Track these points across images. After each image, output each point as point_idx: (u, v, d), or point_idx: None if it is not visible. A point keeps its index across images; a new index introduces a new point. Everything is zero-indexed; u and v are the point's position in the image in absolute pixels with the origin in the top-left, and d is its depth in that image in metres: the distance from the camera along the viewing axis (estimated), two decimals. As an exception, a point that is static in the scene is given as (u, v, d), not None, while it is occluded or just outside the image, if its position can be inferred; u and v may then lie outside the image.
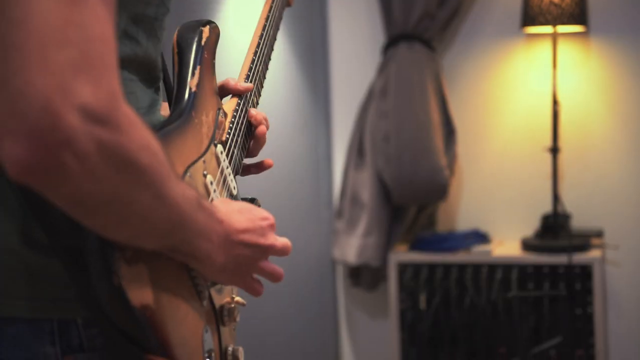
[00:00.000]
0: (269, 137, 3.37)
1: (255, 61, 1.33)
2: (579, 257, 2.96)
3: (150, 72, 1.09)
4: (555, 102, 3.05)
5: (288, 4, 1.54)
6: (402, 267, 3.14)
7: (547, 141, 3.12)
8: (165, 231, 0.89)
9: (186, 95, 1.08)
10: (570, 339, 2.96)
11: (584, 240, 3.04)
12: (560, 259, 2.96)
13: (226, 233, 1.00)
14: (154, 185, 0.84)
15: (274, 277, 1.12)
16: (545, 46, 3.15)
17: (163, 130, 0.99)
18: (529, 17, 3.00)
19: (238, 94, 1.27)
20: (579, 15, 2.98)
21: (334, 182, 3.44)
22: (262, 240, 1.06)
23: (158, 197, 0.85)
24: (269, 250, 1.08)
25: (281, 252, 1.11)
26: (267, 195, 3.14)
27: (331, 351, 3.46)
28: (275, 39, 1.43)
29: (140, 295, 0.89)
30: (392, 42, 3.18)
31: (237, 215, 1.03)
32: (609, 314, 3.15)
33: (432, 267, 3.10)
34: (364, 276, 3.32)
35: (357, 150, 3.26)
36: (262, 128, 1.29)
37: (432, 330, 3.10)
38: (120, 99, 0.80)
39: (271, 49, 1.40)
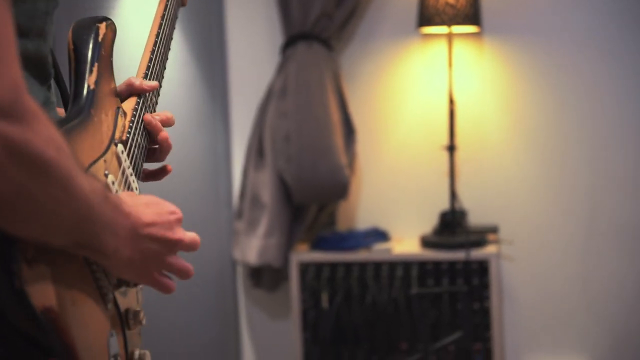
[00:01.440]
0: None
1: (153, 60, 1.31)
2: (476, 253, 3.03)
3: (42, 68, 1.06)
4: (451, 101, 3.10)
5: (182, 4, 1.52)
6: (304, 267, 3.14)
7: (444, 139, 3.17)
8: (73, 225, 0.87)
9: (84, 93, 1.06)
10: (469, 333, 3.02)
11: (480, 237, 3.11)
12: (458, 255, 3.02)
13: (133, 226, 0.98)
14: (61, 179, 0.83)
15: (183, 274, 1.11)
16: (441, 46, 3.21)
17: (63, 128, 0.97)
18: (425, 18, 3.05)
19: (143, 93, 1.25)
20: (473, 16, 3.04)
21: (233, 182, 3.41)
22: (170, 234, 1.05)
23: (65, 190, 0.84)
24: (177, 245, 1.07)
25: (189, 246, 1.10)
26: (165, 195, 3.08)
27: (232, 352, 3.43)
28: (171, 38, 1.42)
29: (43, 298, 0.87)
30: (291, 41, 3.18)
31: (144, 208, 1.02)
32: (504, 308, 3.23)
33: (333, 266, 3.11)
34: (265, 277, 3.31)
35: (256, 150, 3.24)
36: (162, 134, 1.26)
37: (335, 329, 3.11)
38: (23, 92, 0.78)
39: (168, 48, 1.39)
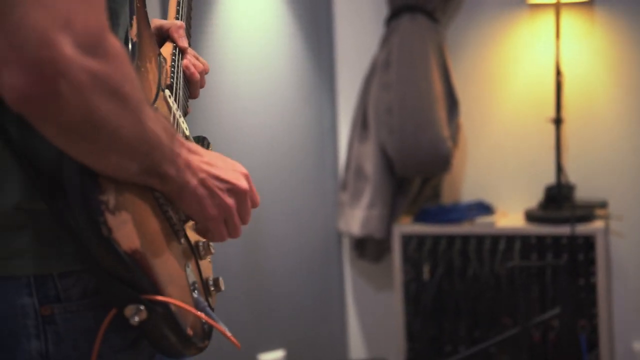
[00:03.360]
0: (274, 110, 3.36)
1: (181, 2, 1.37)
2: (582, 228, 2.96)
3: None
4: (558, 73, 3.04)
5: None
6: (406, 239, 3.15)
7: (551, 112, 3.11)
8: (145, 151, 0.95)
9: (129, 46, 1.11)
10: (574, 309, 2.96)
11: (587, 211, 3.04)
12: (564, 229, 2.97)
13: (192, 161, 1.04)
14: (136, 111, 0.92)
15: (237, 231, 1.13)
16: (549, 17, 3.14)
17: None
18: (532, -12, 2.99)
19: (177, 45, 1.32)
20: (582, -15, 2.96)
21: (339, 154, 3.45)
22: (230, 176, 1.09)
23: (139, 121, 0.93)
24: (237, 188, 1.09)
25: (254, 200, 1.13)
26: (272, 168, 3.17)
27: (337, 322, 3.49)
28: None
29: (129, 241, 0.94)
30: (395, 13, 3.17)
31: (208, 155, 1.09)
32: (612, 284, 3.15)
33: (435, 238, 3.11)
34: (369, 248, 3.34)
35: (361, 122, 3.27)
36: (193, 75, 1.33)
37: (436, 301, 3.11)
38: (108, 31, 0.87)
39: None
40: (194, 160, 1.05)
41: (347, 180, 3.32)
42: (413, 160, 3.09)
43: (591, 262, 2.97)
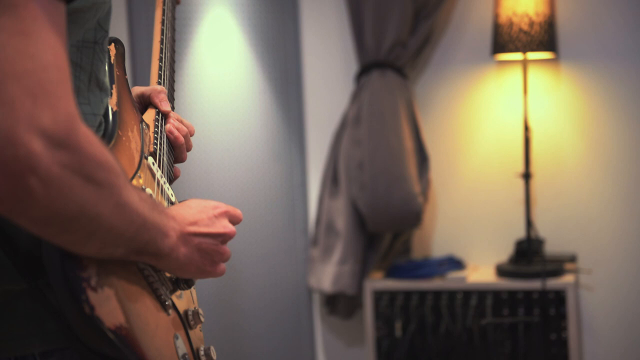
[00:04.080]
0: (244, 165, 3.35)
1: (162, 67, 1.37)
2: (553, 282, 2.97)
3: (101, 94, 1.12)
4: (526, 128, 3.07)
5: (177, 2, 1.56)
6: (378, 295, 3.13)
7: (520, 167, 3.14)
8: (131, 235, 0.95)
9: (110, 116, 1.11)
10: (546, 364, 2.96)
11: (557, 266, 3.05)
12: (535, 284, 2.97)
13: (180, 226, 1.05)
14: (114, 195, 0.90)
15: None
16: (516, 73, 3.18)
17: None
18: (499, 45, 3.03)
19: (160, 111, 1.31)
20: (548, 42, 3.01)
21: (309, 210, 3.44)
22: (215, 229, 1.12)
23: (119, 205, 0.91)
24: (225, 236, 1.13)
25: (230, 236, 1.15)
26: (242, 224, 3.14)
27: (308, 380, 3.45)
28: (174, 40, 1.47)
29: (113, 318, 0.93)
30: (365, 70, 3.20)
31: (186, 209, 1.10)
32: (583, 339, 3.15)
33: (407, 294, 3.10)
34: (340, 304, 3.31)
35: (331, 178, 3.27)
36: (177, 139, 1.32)
37: (408, 357, 3.09)
38: (77, 120, 0.86)
39: (173, 51, 1.44)
40: (184, 227, 1.06)
41: (318, 236, 3.30)
42: (385, 216, 3.09)
43: (562, 316, 2.97)
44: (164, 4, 1.44)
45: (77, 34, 1.05)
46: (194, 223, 1.09)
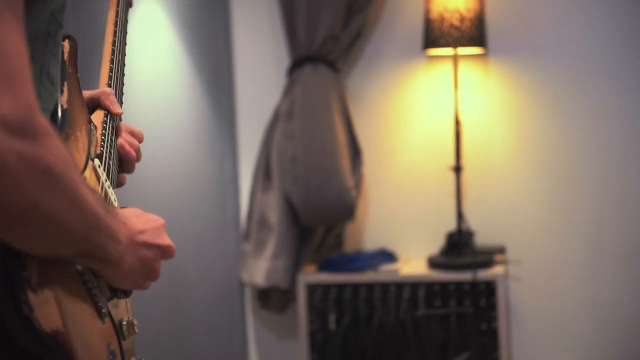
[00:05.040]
0: (174, 159, 3.31)
1: (113, 68, 1.34)
2: (484, 274, 3.03)
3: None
4: (457, 122, 3.11)
5: (130, 5, 1.53)
6: (311, 288, 3.14)
7: (450, 160, 3.18)
8: (82, 235, 0.92)
9: (59, 113, 1.08)
10: (477, 354, 3.01)
11: (487, 257, 3.11)
12: (466, 275, 3.02)
13: (130, 234, 1.04)
14: (71, 191, 0.88)
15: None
16: (447, 67, 3.22)
17: None
18: (431, 40, 3.07)
19: (111, 113, 1.28)
20: (478, 38, 3.06)
21: (241, 204, 3.42)
22: (161, 241, 1.11)
23: (75, 202, 0.88)
24: (168, 250, 1.12)
25: (173, 253, 1.15)
26: (172, 217, 3.10)
27: (241, 375, 3.43)
28: (126, 44, 1.44)
29: (50, 321, 0.91)
30: (297, 64, 3.20)
31: (134, 218, 1.08)
32: (512, 329, 3.22)
33: (340, 287, 3.11)
34: (273, 298, 3.31)
35: (263, 172, 3.25)
36: (129, 154, 1.29)
37: (342, 350, 3.10)
38: (36, 110, 0.83)
39: (124, 54, 1.42)
40: (133, 235, 1.05)
41: (250, 231, 3.29)
42: (318, 210, 3.09)
43: (492, 307, 3.03)
44: (117, 5, 1.41)
45: (29, 25, 1.00)
46: (142, 232, 1.07)
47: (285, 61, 3.29)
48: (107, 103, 1.27)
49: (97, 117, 1.25)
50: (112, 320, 1.09)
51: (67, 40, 1.17)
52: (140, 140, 1.34)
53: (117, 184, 1.29)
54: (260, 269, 3.20)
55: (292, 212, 3.16)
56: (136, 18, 2.96)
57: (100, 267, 1.00)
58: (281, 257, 3.15)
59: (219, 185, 3.33)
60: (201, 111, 3.23)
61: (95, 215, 0.93)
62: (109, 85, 1.31)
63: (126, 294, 1.12)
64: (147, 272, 1.09)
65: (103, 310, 1.04)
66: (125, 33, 1.43)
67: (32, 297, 0.89)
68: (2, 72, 0.80)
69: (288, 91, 3.20)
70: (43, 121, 0.84)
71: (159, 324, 3.01)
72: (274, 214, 3.18)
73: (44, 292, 0.91)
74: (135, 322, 1.16)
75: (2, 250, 0.88)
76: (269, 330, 3.47)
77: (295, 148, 3.12)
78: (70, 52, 1.17)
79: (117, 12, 1.41)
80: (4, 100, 0.79)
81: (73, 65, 1.17)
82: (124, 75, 1.39)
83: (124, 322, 1.13)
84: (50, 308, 0.91)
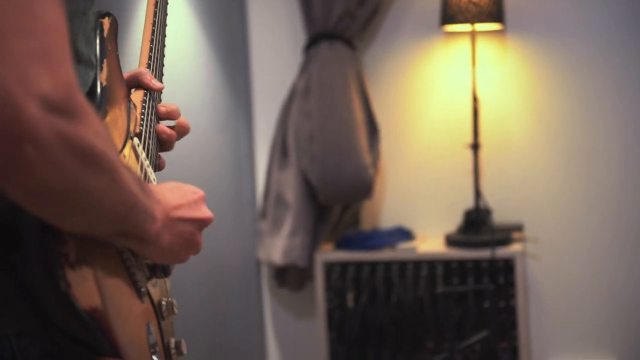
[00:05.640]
0: (189, 137, 3.30)
1: (153, 49, 1.33)
2: (502, 252, 3.02)
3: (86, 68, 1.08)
4: (475, 99, 3.09)
5: None
6: (329, 267, 3.14)
7: (468, 138, 3.16)
8: (121, 215, 0.91)
9: (98, 90, 1.07)
10: (495, 332, 3.01)
11: (505, 235, 3.10)
12: (484, 253, 3.01)
13: (165, 211, 1.02)
14: (110, 170, 0.87)
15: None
16: (464, 44, 3.20)
17: None
18: (448, 16, 3.04)
19: (150, 90, 1.27)
20: (496, 14, 3.03)
21: (257, 182, 3.41)
22: (199, 213, 1.09)
23: (114, 182, 0.88)
24: (206, 221, 1.11)
25: (210, 222, 1.14)
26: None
27: (257, 352, 3.44)
28: (166, 25, 1.43)
29: (88, 299, 0.90)
30: (313, 41, 3.17)
31: (169, 193, 1.06)
32: (530, 307, 3.22)
33: (358, 265, 3.11)
34: (290, 276, 3.31)
35: (280, 150, 3.24)
36: (170, 138, 1.29)
37: (360, 328, 3.11)
38: (76, 88, 0.82)
39: (164, 34, 1.40)
40: (169, 212, 1.03)
41: (267, 209, 3.28)
42: (335, 188, 3.08)
43: (510, 285, 3.02)
44: None
45: (69, 4, 1.00)
46: (178, 207, 1.06)
47: (301, 38, 3.27)
48: (147, 80, 1.26)
49: (137, 96, 1.23)
50: (152, 300, 1.08)
51: (107, 18, 1.16)
52: (177, 117, 1.32)
53: (158, 167, 1.28)
54: (277, 247, 3.20)
55: (309, 190, 3.15)
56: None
57: (139, 246, 1.00)
58: (298, 235, 3.14)
59: (235, 163, 3.33)
60: (217, 88, 3.21)
61: (133, 195, 0.92)
62: (149, 66, 1.30)
63: (165, 273, 1.11)
64: (187, 246, 1.08)
65: (142, 290, 1.04)
66: (166, 14, 1.41)
67: (70, 273, 0.88)
68: (43, 48, 0.78)
69: (304, 69, 3.19)
70: (82, 99, 0.83)
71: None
72: (291, 192, 3.17)
73: (82, 269, 0.90)
74: (174, 302, 1.15)
75: (40, 226, 0.87)
76: (286, 308, 3.47)
77: (312, 126, 3.10)
78: (110, 30, 1.15)
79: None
80: (44, 78, 0.78)
81: (113, 42, 1.16)
82: (164, 56, 1.37)
83: (164, 302, 1.12)
84: (88, 285, 0.90)
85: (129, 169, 0.94)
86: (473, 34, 3.09)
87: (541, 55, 3.18)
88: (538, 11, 3.16)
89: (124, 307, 0.98)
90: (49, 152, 0.79)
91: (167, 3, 1.43)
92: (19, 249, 0.88)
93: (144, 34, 1.34)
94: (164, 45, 1.39)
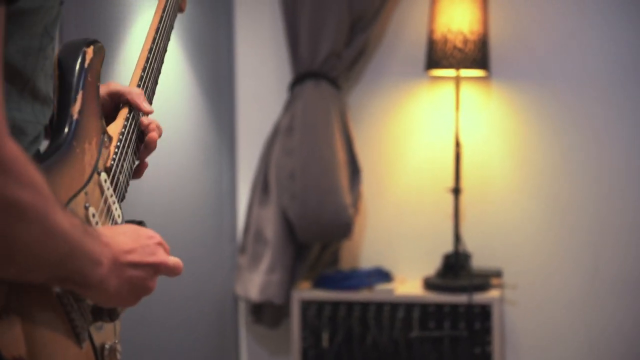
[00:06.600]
0: (172, 170, 3.30)
1: (144, 77, 1.30)
2: (479, 297, 3.01)
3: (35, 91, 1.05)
4: (457, 144, 3.11)
5: (180, 10, 1.49)
6: (305, 305, 3.12)
7: (450, 182, 3.17)
8: (55, 262, 0.89)
9: (67, 124, 1.05)
10: (470, 377, 2.99)
11: (483, 280, 3.10)
12: (461, 298, 3.01)
13: (114, 255, 0.99)
14: (39, 220, 0.84)
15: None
16: (449, 89, 3.22)
17: (42, 164, 0.97)
18: (434, 60, 3.07)
19: (140, 112, 1.25)
20: (481, 60, 3.06)
21: (238, 217, 3.41)
22: (152, 259, 1.05)
23: (43, 231, 0.85)
24: (159, 268, 1.07)
25: (172, 269, 1.09)
26: (169, 228, 3.08)
27: (231, 389, 3.41)
28: (165, 51, 1.39)
29: (13, 348, 0.87)
30: (299, 79, 3.19)
31: (122, 237, 1.03)
32: (506, 353, 3.21)
33: (335, 304, 3.10)
34: (267, 313, 3.30)
35: (262, 186, 3.25)
36: (153, 135, 1.28)
37: (334, 368, 3.09)
38: (4, 136, 0.80)
39: (161, 62, 1.37)
40: (118, 256, 1.00)
41: (246, 244, 3.28)
42: (315, 226, 3.08)
43: (487, 331, 3.01)
44: (163, 11, 1.36)
45: (23, 40, 0.98)
46: (129, 251, 1.02)
47: (287, 76, 3.28)
48: (138, 102, 1.24)
49: (115, 127, 1.20)
50: (93, 345, 1.05)
51: (91, 47, 1.13)
52: (159, 135, 1.31)
53: (137, 171, 1.26)
54: (254, 283, 3.19)
55: (289, 228, 3.15)
56: (138, 25, 2.96)
57: (82, 290, 0.97)
58: (276, 272, 3.14)
59: (216, 197, 3.32)
60: (201, 122, 3.22)
61: (68, 242, 0.89)
62: (138, 85, 1.28)
63: (111, 318, 1.07)
64: (137, 292, 1.04)
65: (80, 336, 1.00)
66: (168, 40, 1.38)
67: None
68: None
69: (289, 106, 3.20)
70: (12, 147, 0.81)
71: (149, 333, 2.99)
72: (271, 228, 3.17)
73: (10, 316, 0.87)
74: (118, 347, 1.11)
75: None
76: (262, 345, 3.45)
77: (294, 164, 3.11)
78: (93, 60, 1.12)
79: (161, 17, 1.36)
80: None
81: (94, 74, 1.13)
82: (156, 84, 1.35)
83: (107, 347, 1.08)
84: (14, 334, 0.87)
85: (69, 213, 0.91)
86: (458, 79, 3.11)
87: (525, 103, 3.21)
88: (522, 59, 3.19)
89: (57, 354, 0.94)
90: None
91: (171, 28, 1.40)
92: None
93: (138, 61, 1.32)
94: (159, 73, 1.35)
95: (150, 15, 1.41)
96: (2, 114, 0.80)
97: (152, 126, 1.28)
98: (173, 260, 1.10)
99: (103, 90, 1.28)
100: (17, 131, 0.99)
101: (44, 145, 1.08)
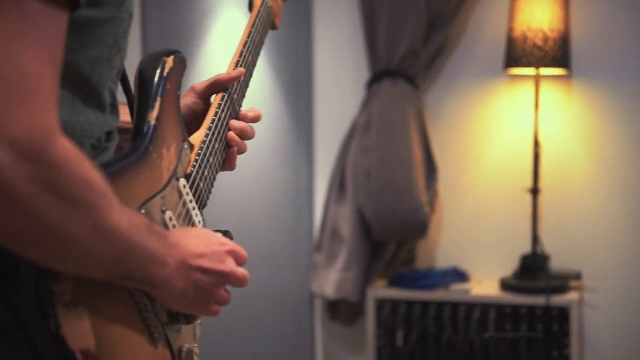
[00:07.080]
0: (250, 168, 3.35)
1: (231, 93, 1.31)
2: (557, 299, 2.96)
3: (100, 99, 1.06)
4: (536, 144, 3.06)
5: (273, 27, 1.49)
6: (380, 303, 3.13)
7: (528, 182, 3.13)
8: (111, 261, 0.89)
9: (144, 129, 1.06)
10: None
11: (562, 282, 3.05)
12: (538, 300, 2.96)
13: (182, 257, 0.99)
14: (92, 217, 0.84)
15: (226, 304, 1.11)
16: (528, 88, 3.17)
17: (113, 167, 0.98)
18: (513, 59, 3.03)
19: (230, 84, 1.28)
20: (561, 59, 3.01)
21: (315, 215, 3.43)
22: (221, 266, 1.05)
23: (97, 229, 0.85)
24: (228, 277, 1.06)
25: (240, 281, 1.09)
26: (246, 227, 3.14)
27: (307, 385, 3.44)
28: (255, 65, 1.40)
29: (80, 340, 0.87)
30: (376, 78, 3.19)
31: (193, 240, 1.03)
32: (585, 357, 3.14)
33: (410, 303, 3.09)
34: (342, 310, 3.31)
35: (338, 184, 3.26)
36: (232, 150, 1.28)
37: (409, 367, 3.08)
38: (55, 134, 0.81)
39: (250, 75, 1.38)
40: (187, 258, 1.00)
41: (322, 242, 3.30)
42: (390, 224, 3.08)
43: (565, 333, 2.96)
44: (252, 26, 1.38)
45: (94, 48, 1.01)
46: (199, 256, 1.02)
47: (364, 75, 3.29)
48: (224, 76, 1.27)
49: (198, 136, 1.20)
50: (170, 346, 1.04)
51: (171, 56, 1.14)
52: (255, 120, 1.34)
53: (230, 167, 1.27)
54: (330, 281, 3.21)
55: (365, 226, 3.16)
56: (219, 24, 3.01)
57: (147, 288, 0.97)
58: (351, 270, 3.15)
59: (294, 195, 3.36)
60: (280, 121, 3.26)
61: (125, 240, 0.89)
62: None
63: (188, 320, 1.06)
64: (204, 297, 1.04)
65: (155, 335, 1.00)
66: (258, 55, 1.39)
67: (62, 312, 0.86)
68: (20, 94, 0.78)
69: (366, 105, 3.21)
70: (64, 145, 0.82)
71: (226, 328, 3.04)
72: (347, 226, 3.18)
73: (78, 309, 0.87)
74: (196, 350, 1.10)
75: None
76: (337, 342, 3.46)
77: (371, 162, 3.12)
78: (173, 69, 1.13)
79: (250, 32, 1.37)
80: (18, 124, 0.77)
81: (173, 82, 1.13)
82: (244, 96, 1.37)
83: (184, 349, 1.08)
84: (82, 326, 0.88)
85: (132, 213, 0.92)
86: (537, 78, 3.06)
87: (606, 102, 3.14)
88: (604, 57, 3.13)
89: (127, 353, 0.94)
90: (19, 198, 0.78)
91: (261, 43, 1.41)
92: (14, 279, 0.86)
93: (233, 57, 1.34)
94: (247, 86, 1.38)
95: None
96: (55, 114, 0.81)
97: (236, 139, 1.28)
98: (241, 271, 1.09)
99: (190, 95, 1.30)
100: (78, 133, 1.00)
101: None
